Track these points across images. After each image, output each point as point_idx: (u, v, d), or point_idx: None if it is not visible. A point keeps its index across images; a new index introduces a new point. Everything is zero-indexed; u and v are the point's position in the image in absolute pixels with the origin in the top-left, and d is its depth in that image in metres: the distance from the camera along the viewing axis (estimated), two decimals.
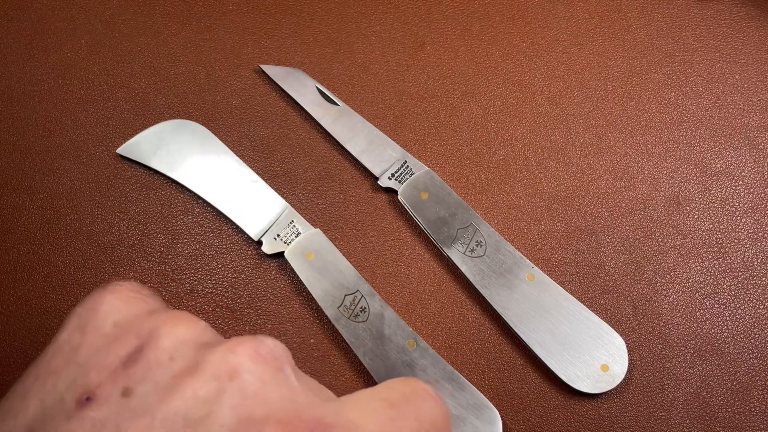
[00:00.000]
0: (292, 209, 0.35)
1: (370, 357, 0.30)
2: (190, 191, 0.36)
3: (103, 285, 0.19)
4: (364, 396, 0.18)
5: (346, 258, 0.33)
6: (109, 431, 0.15)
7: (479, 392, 0.30)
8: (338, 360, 0.32)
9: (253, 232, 0.34)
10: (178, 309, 0.23)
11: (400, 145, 0.37)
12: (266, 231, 0.34)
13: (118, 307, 0.18)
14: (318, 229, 0.34)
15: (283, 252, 0.33)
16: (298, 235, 0.34)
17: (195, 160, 0.36)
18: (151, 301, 0.19)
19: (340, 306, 0.32)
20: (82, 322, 0.17)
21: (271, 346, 0.17)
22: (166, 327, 0.17)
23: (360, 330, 0.31)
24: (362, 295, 0.32)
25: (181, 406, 0.15)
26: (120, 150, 0.37)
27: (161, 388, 0.16)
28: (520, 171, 0.37)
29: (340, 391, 0.31)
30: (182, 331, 0.17)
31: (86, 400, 0.15)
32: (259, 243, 0.34)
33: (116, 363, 0.16)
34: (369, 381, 0.31)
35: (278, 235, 0.34)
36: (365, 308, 0.31)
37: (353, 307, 0.31)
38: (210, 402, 0.15)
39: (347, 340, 0.31)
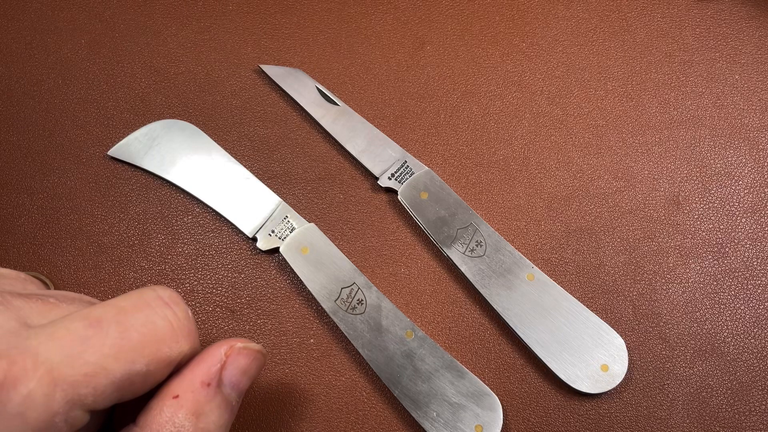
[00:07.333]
0: (286, 205, 0.35)
1: (369, 348, 0.30)
2: (185, 191, 0.36)
3: None
4: (70, 317, 0.18)
5: (341, 251, 0.33)
6: None
7: (479, 379, 0.30)
8: (339, 359, 0.32)
9: (248, 229, 0.34)
10: None
11: (400, 145, 0.37)
12: (261, 227, 0.34)
13: None
14: (312, 224, 0.34)
15: (278, 248, 0.33)
16: (292, 230, 0.33)
17: (187, 159, 0.36)
18: None
19: (337, 299, 0.31)
20: None
21: None
22: None
23: (358, 322, 0.31)
24: (359, 287, 0.32)
25: None
26: (111, 152, 0.37)
27: None
28: (520, 171, 0.37)
29: (340, 391, 0.31)
30: None
31: None
32: (255, 240, 0.34)
33: None
34: (369, 377, 0.31)
35: (273, 231, 0.34)
36: (362, 300, 0.31)
37: (350, 299, 0.31)
38: None
39: (345, 333, 0.31)
